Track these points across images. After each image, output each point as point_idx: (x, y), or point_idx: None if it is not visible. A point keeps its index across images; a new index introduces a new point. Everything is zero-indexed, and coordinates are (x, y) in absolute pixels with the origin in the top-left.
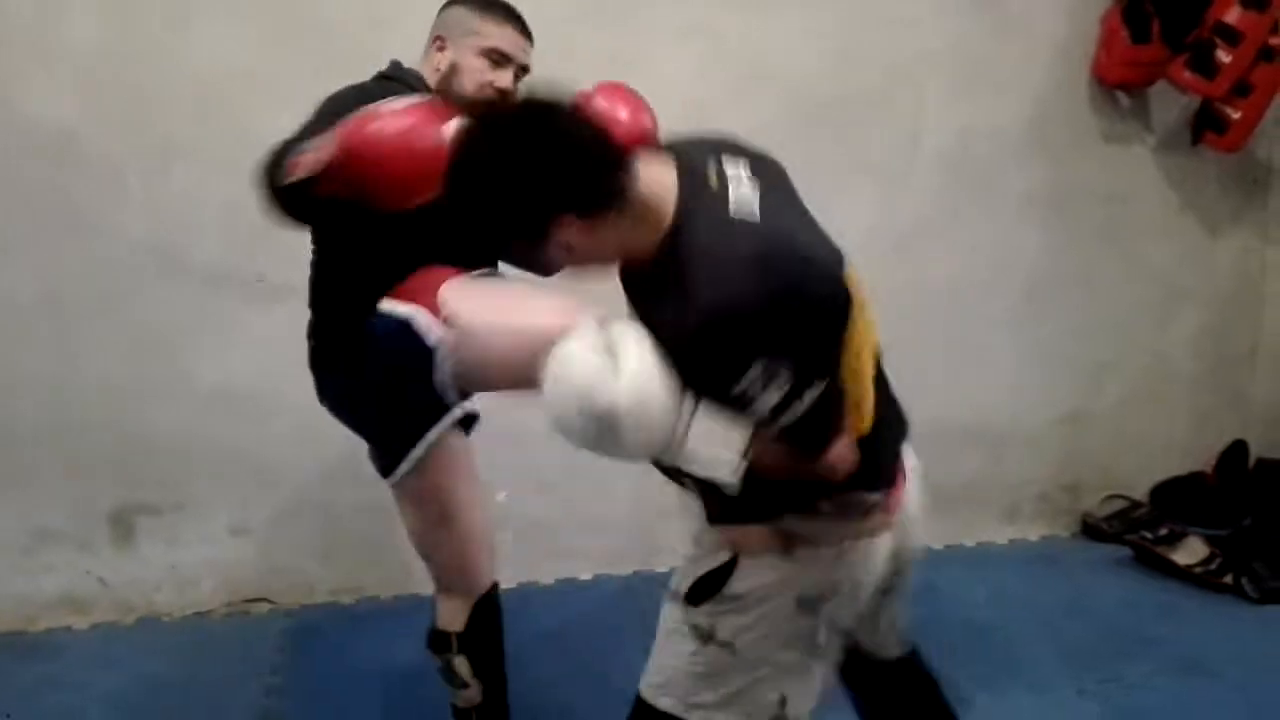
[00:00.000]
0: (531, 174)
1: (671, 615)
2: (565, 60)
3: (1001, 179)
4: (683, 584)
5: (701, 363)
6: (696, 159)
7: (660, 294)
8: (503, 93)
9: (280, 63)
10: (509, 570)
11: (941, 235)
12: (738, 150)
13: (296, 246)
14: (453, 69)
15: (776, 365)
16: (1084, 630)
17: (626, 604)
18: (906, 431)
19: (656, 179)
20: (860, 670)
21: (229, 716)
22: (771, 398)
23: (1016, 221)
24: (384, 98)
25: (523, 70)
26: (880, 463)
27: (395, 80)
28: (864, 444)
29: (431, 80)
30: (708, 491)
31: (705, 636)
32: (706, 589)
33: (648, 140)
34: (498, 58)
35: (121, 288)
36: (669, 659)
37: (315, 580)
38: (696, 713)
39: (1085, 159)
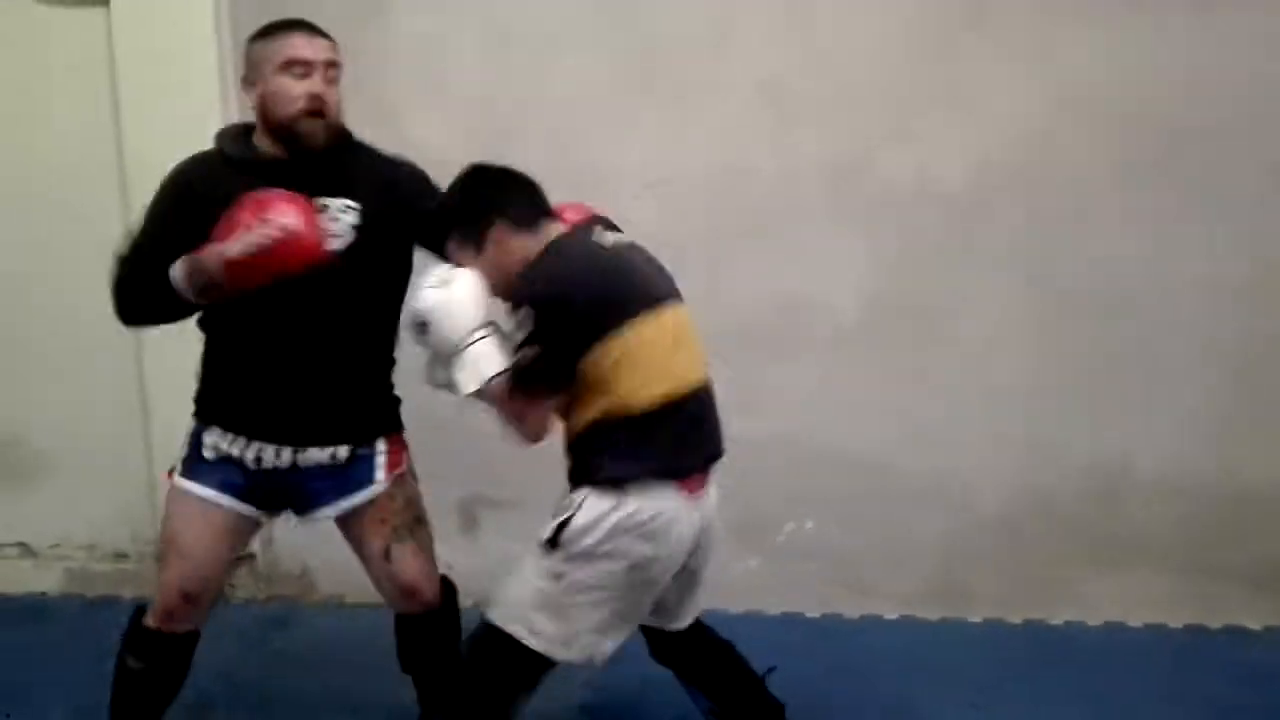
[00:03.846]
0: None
1: (531, 560)
2: (896, 99)
3: None
4: (544, 532)
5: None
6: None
7: None
8: (318, 98)
9: (626, 94)
10: (811, 600)
11: None
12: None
13: None
14: (265, 99)
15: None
16: None
17: (926, 651)
18: (708, 457)
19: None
20: (666, 646)
21: (551, 703)
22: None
23: None
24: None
25: (331, 66)
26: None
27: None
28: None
29: (258, 119)
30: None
31: (557, 578)
32: (559, 535)
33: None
34: (299, 68)
35: None
36: (523, 593)
37: None
38: (536, 639)
39: None
